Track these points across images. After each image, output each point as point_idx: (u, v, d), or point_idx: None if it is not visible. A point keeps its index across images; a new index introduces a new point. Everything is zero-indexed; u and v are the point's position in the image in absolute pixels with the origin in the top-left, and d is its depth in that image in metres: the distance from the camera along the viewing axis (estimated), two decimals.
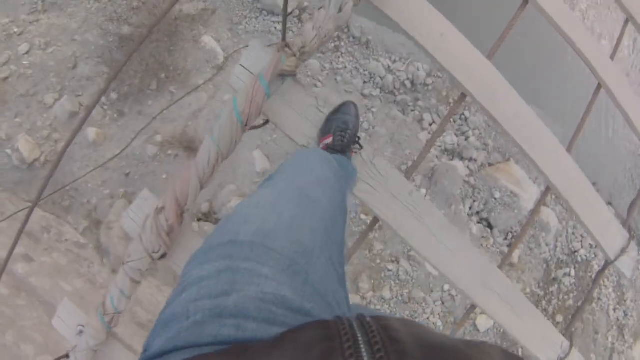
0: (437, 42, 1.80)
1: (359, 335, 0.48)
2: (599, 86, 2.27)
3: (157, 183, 4.16)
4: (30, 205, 1.84)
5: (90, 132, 4.17)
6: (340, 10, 1.54)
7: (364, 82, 5.16)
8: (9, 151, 4.16)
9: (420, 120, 5.05)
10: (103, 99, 4.40)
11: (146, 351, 0.66)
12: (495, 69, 1.91)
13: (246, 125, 1.41)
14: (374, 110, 4.96)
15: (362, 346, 0.46)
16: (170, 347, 0.62)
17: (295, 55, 1.51)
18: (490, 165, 4.99)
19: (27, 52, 4.55)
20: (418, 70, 5.20)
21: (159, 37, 4.64)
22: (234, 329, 0.63)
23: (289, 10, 5.29)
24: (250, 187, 4.25)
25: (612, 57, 2.32)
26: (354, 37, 5.32)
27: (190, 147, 4.25)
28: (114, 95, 4.43)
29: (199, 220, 4.15)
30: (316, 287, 0.78)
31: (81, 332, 1.68)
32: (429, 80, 5.18)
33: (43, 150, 4.19)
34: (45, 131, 4.24)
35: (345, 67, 5.17)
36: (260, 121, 1.59)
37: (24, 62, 4.50)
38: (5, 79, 4.43)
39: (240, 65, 1.65)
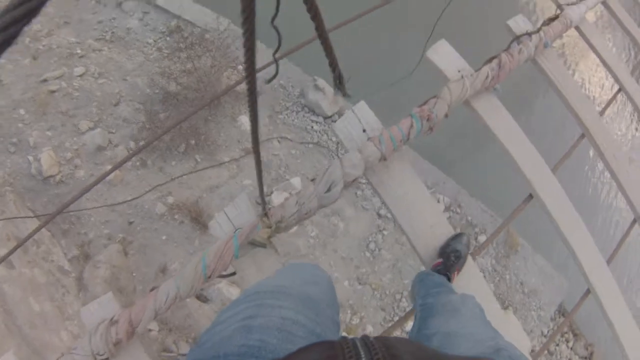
0: (427, 234, 2.06)
1: (361, 352, 0.58)
2: (634, 220, 2.84)
3: (155, 242, 4.58)
4: (41, 223, 2.21)
5: (111, 173, 4.66)
6: (328, 190, 1.72)
7: (382, 204, 5.66)
8: (31, 158, 4.67)
9: None
10: (132, 144, 4.95)
11: None
12: (557, 181, 2.40)
13: (209, 277, 1.66)
14: (385, 232, 5.42)
15: (363, 358, 0.57)
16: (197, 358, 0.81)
17: (270, 227, 1.69)
18: None
19: (80, 75, 5.21)
20: (438, 201, 5.76)
21: (200, 104, 5.24)
22: (259, 342, 0.81)
23: (330, 113, 5.96)
24: (242, 277, 4.60)
25: None
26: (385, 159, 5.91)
27: (196, 219, 4.69)
28: (141, 144, 4.97)
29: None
30: (326, 322, 1.00)
31: None
32: (446, 214, 5.70)
33: (61, 170, 4.67)
34: (69, 153, 4.75)
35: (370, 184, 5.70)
36: (229, 271, 1.78)
37: (74, 84, 5.13)
38: (53, 92, 5.05)
39: (224, 212, 1.90)
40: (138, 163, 4.94)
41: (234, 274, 1.81)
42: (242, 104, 5.69)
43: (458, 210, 5.76)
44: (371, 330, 4.76)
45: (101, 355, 1.68)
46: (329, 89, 5.96)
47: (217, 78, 5.38)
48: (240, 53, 6.00)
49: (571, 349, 5.76)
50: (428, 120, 1.88)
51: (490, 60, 2.29)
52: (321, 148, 5.76)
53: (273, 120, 5.84)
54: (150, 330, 4.16)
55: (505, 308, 5.50)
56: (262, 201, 1.72)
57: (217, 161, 5.20)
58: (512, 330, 2.07)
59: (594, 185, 7.25)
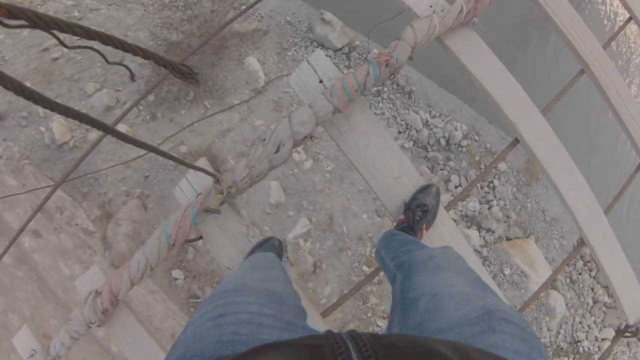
0: (393, 187, 2.00)
1: (348, 343, 0.57)
2: (638, 168, 2.63)
3: (172, 193, 4.77)
4: (53, 185, 2.42)
5: (121, 128, 4.84)
6: (277, 150, 1.70)
7: (399, 132, 5.72)
8: (42, 129, 4.89)
9: (447, 181, 5.55)
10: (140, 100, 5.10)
11: None
12: (547, 124, 2.20)
13: (173, 245, 1.77)
14: None
15: (352, 351, 0.54)
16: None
17: (222, 194, 1.76)
18: (508, 239, 5.42)
19: (80, 39, 5.31)
20: (456, 129, 5.73)
21: (205, 49, 5.32)
22: (231, 336, 0.86)
23: (340, 46, 5.94)
24: (260, 217, 4.81)
25: None
26: (397, 85, 5.91)
27: (210, 166, 4.85)
28: (150, 98, 5.13)
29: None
30: (291, 311, 1.09)
31: (32, 355, 2.30)
32: (465, 142, 5.70)
33: (74, 135, 4.89)
34: None
35: (384, 114, 5.74)
36: (194, 237, 1.92)
37: None
38: (55, 59, 5.21)
39: (185, 178, 2.02)
40: (148, 117, 5.11)
41: (200, 238, 1.95)
42: (248, 46, 5.73)
43: (476, 137, 5.74)
44: None
45: (93, 323, 1.97)
46: (337, 21, 5.91)
47: (218, 22, 5.41)
48: None
49: (594, 277, 5.78)
50: (387, 66, 1.76)
51: None
52: None
53: (282, 57, 5.88)
54: (176, 279, 4.44)
55: (527, 237, 5.54)
56: (211, 173, 1.88)
57: (227, 105, 5.31)
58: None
59: (593, 128, 6.99)
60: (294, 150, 1.77)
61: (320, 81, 1.88)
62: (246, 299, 1.00)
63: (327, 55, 5.80)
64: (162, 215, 4.72)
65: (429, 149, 5.73)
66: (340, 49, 6.00)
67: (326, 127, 1.89)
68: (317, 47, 5.98)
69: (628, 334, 2.52)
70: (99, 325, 1.98)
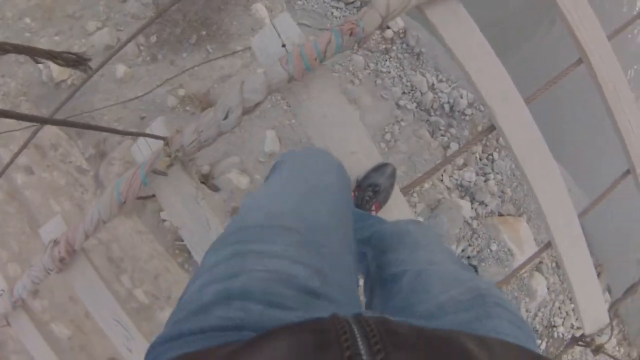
0: (348, 162, 1.92)
1: (354, 328, 0.54)
2: (628, 171, 2.51)
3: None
4: (41, 120, 2.55)
5: (120, 68, 4.98)
6: (226, 117, 1.70)
7: (403, 92, 5.78)
8: (40, 66, 5.02)
9: (446, 147, 5.64)
10: (141, 40, 5.20)
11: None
12: (530, 115, 2.12)
13: (124, 202, 1.85)
14: (402, 123, 5.57)
15: (358, 337, 0.52)
16: (175, 334, 0.73)
17: (169, 156, 1.78)
18: (500, 215, 5.56)
19: None
20: (461, 97, 5.79)
21: None
22: (241, 312, 0.74)
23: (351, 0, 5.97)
24: (254, 165, 4.95)
25: None
26: (407, 45, 5.94)
27: (207, 110, 4.97)
28: (152, 39, 5.22)
29: (201, 182, 4.90)
30: (330, 261, 0.90)
31: (1, 295, 2.48)
32: (469, 111, 5.76)
33: (72, 73, 5.02)
34: None
35: (389, 73, 5.81)
36: (146, 194, 1.99)
37: None
38: None
39: (143, 138, 2.04)
40: (148, 58, 5.20)
41: (153, 196, 2.03)
42: None
43: (481, 107, 5.77)
44: None
45: (51, 270, 2.14)
46: None
47: None
48: None
49: None
50: (351, 35, 1.68)
51: None
52: None
53: (291, 6, 5.90)
54: (164, 220, 4.62)
55: (519, 215, 5.65)
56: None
57: (229, 50, 5.37)
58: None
59: (583, 122, 6.88)
60: (244, 117, 1.75)
61: (283, 45, 1.85)
62: (269, 246, 0.85)
63: (336, 7, 5.91)
64: None
65: (432, 113, 5.80)
66: (352, 2, 6.03)
67: (284, 95, 1.90)
68: None
69: (581, 344, 2.58)
70: (57, 272, 2.16)
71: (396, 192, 2.01)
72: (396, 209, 2.00)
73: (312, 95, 1.89)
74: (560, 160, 5.98)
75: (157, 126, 2.05)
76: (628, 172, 2.50)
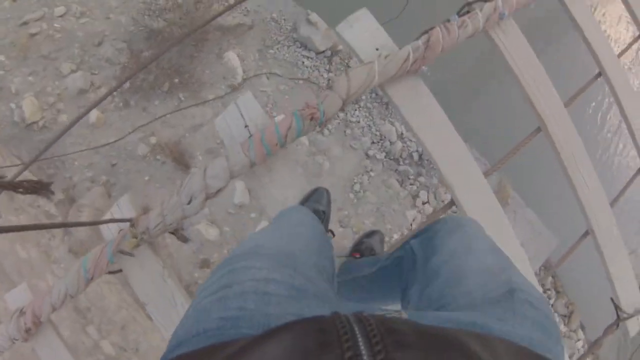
0: None
1: (355, 327, 0.56)
2: (587, 232, 2.69)
3: (138, 183, 5.03)
4: (23, 165, 2.59)
5: (93, 113, 5.08)
6: (190, 202, 1.72)
7: (372, 142, 5.98)
8: (13, 105, 5.11)
9: (415, 197, 5.85)
10: (114, 85, 5.32)
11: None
12: (489, 187, 2.25)
13: (91, 278, 1.86)
14: (372, 173, 5.77)
15: (359, 337, 0.54)
16: (177, 342, 0.84)
17: (136, 237, 1.81)
18: None
19: (61, 16, 5.54)
20: None
21: (186, 41, 5.53)
22: (236, 311, 0.84)
23: (322, 49, 6.21)
24: (223, 217, 5.06)
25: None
26: (376, 94, 6.20)
27: (178, 160, 5.11)
28: (125, 85, 5.35)
29: (169, 232, 4.99)
30: (305, 275, 1.00)
31: None
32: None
33: (44, 115, 5.11)
34: (51, 98, 5.18)
35: (359, 122, 6.02)
36: (115, 269, 2.02)
37: (56, 25, 5.48)
38: (34, 35, 5.41)
39: (117, 205, 2.08)
40: (121, 104, 5.33)
41: (120, 271, 2.04)
42: (230, 40, 5.96)
43: None
44: None
45: (17, 339, 2.16)
46: (322, 24, 6.14)
47: (202, 14, 5.64)
48: None
49: (552, 305, 6.12)
50: (312, 119, 1.73)
51: (421, 34, 1.97)
52: (311, 84, 6.03)
53: (263, 54, 6.10)
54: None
55: None
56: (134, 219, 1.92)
57: (201, 99, 5.54)
58: None
59: (601, 129, 7.34)
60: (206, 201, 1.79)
61: (246, 126, 1.90)
62: (254, 262, 0.97)
63: (307, 56, 6.13)
64: None
65: (401, 162, 6.01)
66: (323, 51, 6.25)
67: (247, 178, 1.98)
68: (300, 47, 6.24)
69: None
70: (23, 342, 2.18)
71: None
72: None
73: (274, 178, 1.95)
74: (532, 206, 6.32)
75: (124, 204, 2.09)
76: (587, 233, 2.66)
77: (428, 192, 5.92)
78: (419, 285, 1.20)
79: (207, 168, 1.75)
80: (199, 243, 4.92)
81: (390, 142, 6.04)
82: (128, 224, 1.89)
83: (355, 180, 5.70)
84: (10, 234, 4.33)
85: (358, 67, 1.82)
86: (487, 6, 2.06)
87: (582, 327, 6.32)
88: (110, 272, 1.98)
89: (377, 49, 1.96)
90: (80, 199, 4.86)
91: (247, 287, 0.89)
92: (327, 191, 2.12)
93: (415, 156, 6.03)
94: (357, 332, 0.55)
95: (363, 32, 2.00)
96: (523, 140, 2.49)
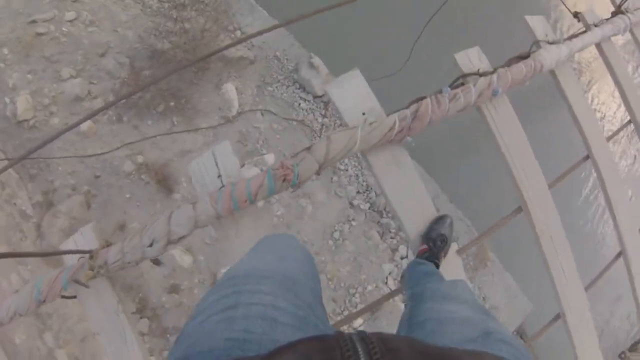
0: None
1: (358, 345, 0.60)
2: (558, 315, 2.75)
3: (118, 199, 5.06)
4: (10, 160, 2.59)
5: (85, 124, 5.11)
6: (151, 245, 1.76)
7: (358, 192, 6.10)
8: (7, 100, 5.13)
9: (395, 250, 5.94)
10: (111, 98, 5.38)
11: None
12: (461, 269, 2.34)
13: (44, 301, 1.92)
14: (353, 223, 5.85)
15: (361, 355, 0.59)
16: (179, 356, 0.85)
17: (93, 270, 1.83)
18: None
19: (71, 20, 5.62)
20: None
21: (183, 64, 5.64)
22: (243, 333, 0.85)
23: (320, 93, 6.36)
24: (199, 246, 5.09)
25: None
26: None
27: (162, 182, 5.16)
28: (122, 94, 5.40)
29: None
30: (306, 302, 1.05)
31: None
32: None
33: (36, 115, 5.13)
34: (46, 99, 5.21)
35: (347, 171, 6.16)
36: (69, 294, 2.00)
37: (63, 29, 5.55)
38: (40, 34, 5.47)
39: (81, 231, 2.10)
40: (114, 118, 5.38)
41: (74, 297, 2.04)
42: (230, 72, 6.10)
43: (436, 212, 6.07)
44: None
45: None
46: (324, 68, 6.34)
47: (207, 42, 5.78)
48: (237, 19, 6.41)
49: None
50: (284, 181, 1.76)
51: (410, 104, 2.04)
52: (304, 127, 6.18)
53: (261, 91, 6.26)
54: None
55: None
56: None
57: (194, 126, 5.63)
58: None
59: (582, 210, 7.51)
60: (168, 248, 1.82)
61: (219, 176, 1.91)
62: (259, 287, 0.99)
63: (304, 99, 6.25)
64: (103, 218, 4.96)
65: (384, 215, 6.12)
66: (321, 96, 6.43)
67: (214, 227, 1.93)
68: (299, 89, 6.40)
69: None
70: None
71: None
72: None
73: (240, 232, 1.94)
74: (511, 270, 6.41)
75: (87, 233, 2.09)
76: (558, 316, 2.74)
77: (407, 247, 5.95)
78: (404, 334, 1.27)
79: (173, 214, 1.79)
80: (171, 268, 4.93)
81: (376, 194, 6.16)
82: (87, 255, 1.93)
83: (336, 228, 5.78)
84: None
85: (340, 132, 1.86)
86: (481, 81, 2.10)
87: None
88: (64, 297, 2.00)
89: (363, 114, 1.99)
90: (59, 205, 4.84)
91: (253, 312, 0.91)
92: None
93: None
94: (360, 350, 0.59)
95: (352, 95, 2.04)
96: (502, 219, 2.58)
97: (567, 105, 2.68)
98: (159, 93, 5.53)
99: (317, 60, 6.34)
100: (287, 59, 6.56)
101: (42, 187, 4.96)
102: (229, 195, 1.75)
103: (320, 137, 6.02)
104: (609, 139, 3.02)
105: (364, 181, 6.17)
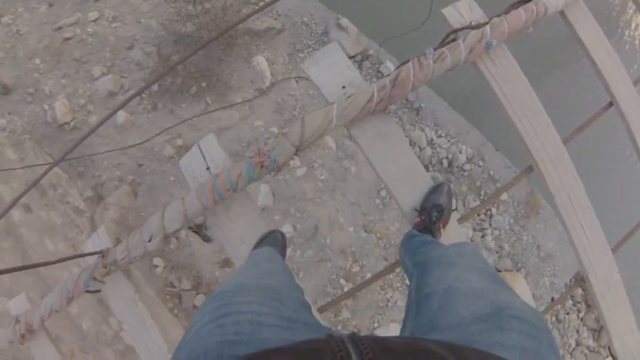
0: None
1: (350, 347, 0.64)
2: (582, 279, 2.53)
3: (163, 183, 5.38)
4: (51, 163, 2.88)
5: (121, 115, 5.49)
6: (150, 240, 1.90)
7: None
8: (46, 106, 5.56)
9: None
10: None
11: None
12: (463, 234, 2.16)
13: (72, 298, 2.17)
14: None
15: (353, 356, 0.62)
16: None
17: (105, 267, 2.02)
18: (497, 270, 5.78)
19: (94, 20, 6.01)
20: (460, 152, 6.20)
21: (213, 44, 5.91)
22: (233, 336, 0.96)
23: (353, 53, 6.49)
24: None
25: None
26: (407, 100, 6.41)
27: None
28: (154, 88, 5.74)
29: (190, 229, 5.30)
30: (291, 307, 1.16)
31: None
32: (467, 166, 6.17)
33: (75, 116, 5.55)
34: (82, 100, 5.62)
35: None
36: (94, 289, 2.21)
37: (88, 29, 5.94)
38: (67, 39, 5.88)
39: (91, 241, 2.32)
40: (149, 106, 5.73)
41: (99, 291, 2.25)
42: (259, 44, 6.31)
43: (480, 163, 6.17)
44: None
45: (14, 342, 2.54)
46: (353, 28, 6.46)
47: (230, 19, 5.96)
48: None
49: (581, 319, 6.09)
50: (262, 167, 1.81)
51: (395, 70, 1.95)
52: None
53: (293, 58, 6.44)
54: (156, 266, 5.01)
55: (517, 270, 5.91)
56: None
57: (228, 102, 5.87)
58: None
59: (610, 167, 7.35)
60: (167, 240, 2.03)
61: (208, 168, 1.99)
62: (245, 298, 1.10)
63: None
64: (151, 203, 5.30)
65: (430, 169, 6.17)
66: (353, 56, 6.53)
67: (208, 215, 2.00)
68: None
69: None
70: (19, 345, 2.56)
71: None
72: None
73: (232, 218, 2.00)
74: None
75: (101, 235, 2.31)
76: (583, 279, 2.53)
77: (457, 200, 6.05)
78: (414, 316, 1.26)
79: (166, 209, 1.92)
80: (220, 244, 5.16)
81: (420, 148, 6.25)
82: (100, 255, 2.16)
83: (382, 186, 5.85)
84: (40, 227, 4.73)
85: (313, 112, 1.86)
86: (472, 35, 1.98)
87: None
88: (89, 292, 2.24)
89: (343, 87, 1.97)
90: (108, 197, 5.21)
91: (242, 318, 1.01)
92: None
93: (445, 163, 6.20)
94: (352, 352, 0.63)
95: (330, 69, 2.02)
96: (511, 181, 2.50)
97: (583, 49, 2.43)
98: (189, 76, 5.81)
99: (345, 21, 6.45)
100: (315, 24, 6.70)
101: (91, 182, 5.35)
102: (212, 187, 1.83)
103: None
104: (637, 82, 2.66)
105: (406, 136, 6.23)
